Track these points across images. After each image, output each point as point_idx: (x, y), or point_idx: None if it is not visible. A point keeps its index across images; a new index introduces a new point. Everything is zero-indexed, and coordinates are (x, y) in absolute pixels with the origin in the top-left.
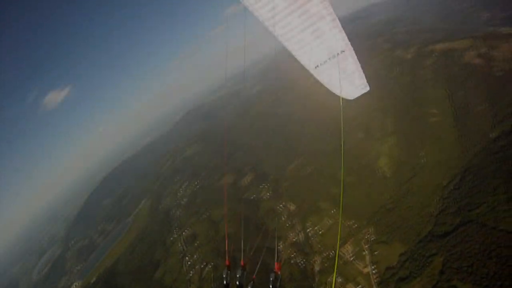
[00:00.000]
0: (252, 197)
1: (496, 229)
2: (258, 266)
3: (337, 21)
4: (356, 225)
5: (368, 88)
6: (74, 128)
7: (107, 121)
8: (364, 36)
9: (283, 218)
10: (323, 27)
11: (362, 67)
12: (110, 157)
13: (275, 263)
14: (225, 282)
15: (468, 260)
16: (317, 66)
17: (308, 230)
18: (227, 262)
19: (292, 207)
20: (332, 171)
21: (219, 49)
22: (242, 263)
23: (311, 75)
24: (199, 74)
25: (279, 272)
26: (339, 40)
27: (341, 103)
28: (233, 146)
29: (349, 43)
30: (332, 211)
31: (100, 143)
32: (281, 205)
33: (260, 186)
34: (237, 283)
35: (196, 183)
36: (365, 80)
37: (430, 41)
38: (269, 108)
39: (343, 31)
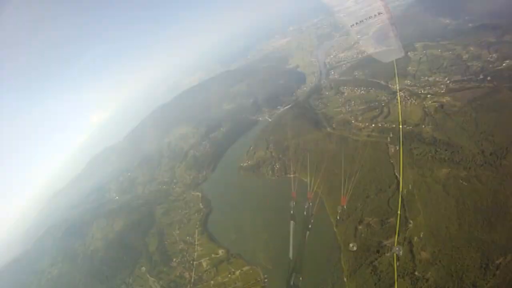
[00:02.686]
0: None
1: None
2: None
3: None
4: None
5: (403, 54)
6: None
7: None
8: None
9: None
10: None
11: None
12: None
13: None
14: (291, 212)
15: None
16: (353, 24)
17: None
18: (293, 194)
19: None
20: None
21: None
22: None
23: None
24: None
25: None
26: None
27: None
28: None
29: (388, 6)
30: None
31: None
32: None
33: None
34: (305, 213)
35: None
36: (401, 45)
37: None
38: None
39: None
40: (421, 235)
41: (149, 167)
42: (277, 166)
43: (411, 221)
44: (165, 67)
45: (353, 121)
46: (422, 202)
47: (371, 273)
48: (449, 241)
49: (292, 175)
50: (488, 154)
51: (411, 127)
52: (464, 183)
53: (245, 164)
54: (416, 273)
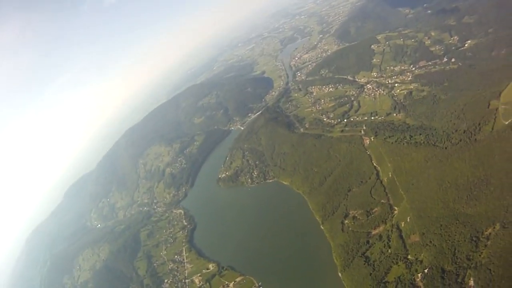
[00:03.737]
0: None
1: None
2: None
3: None
4: None
5: None
6: None
7: None
8: None
9: None
10: None
11: None
12: None
13: None
14: None
15: None
16: None
17: None
18: None
19: None
20: None
21: None
22: None
23: None
24: None
25: None
26: None
27: None
28: None
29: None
30: None
31: None
32: None
33: None
34: None
35: None
36: None
37: None
38: None
39: None
40: (408, 220)
41: (127, 190)
42: (256, 173)
43: (396, 208)
44: (132, 87)
45: (325, 119)
46: (404, 187)
47: (364, 264)
48: (436, 221)
49: (271, 180)
50: (462, 132)
51: (382, 117)
52: (442, 162)
53: (223, 175)
54: (409, 257)
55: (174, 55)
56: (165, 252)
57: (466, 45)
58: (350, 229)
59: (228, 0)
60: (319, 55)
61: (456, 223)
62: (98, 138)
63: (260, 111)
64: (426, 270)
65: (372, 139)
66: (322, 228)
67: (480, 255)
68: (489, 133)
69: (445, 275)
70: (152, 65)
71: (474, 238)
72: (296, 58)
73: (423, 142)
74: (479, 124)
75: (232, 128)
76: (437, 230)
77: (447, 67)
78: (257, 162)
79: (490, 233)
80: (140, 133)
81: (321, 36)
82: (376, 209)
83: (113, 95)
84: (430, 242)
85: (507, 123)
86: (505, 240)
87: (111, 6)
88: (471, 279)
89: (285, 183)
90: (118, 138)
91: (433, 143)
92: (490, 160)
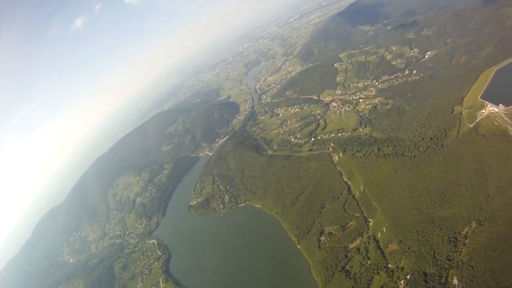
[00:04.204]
0: None
1: None
2: None
3: None
4: None
5: None
6: None
7: None
8: None
9: None
10: None
11: None
12: None
13: None
14: None
15: None
16: None
17: None
18: None
19: None
20: None
21: None
22: None
23: None
24: None
25: None
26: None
27: None
28: None
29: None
30: None
31: None
32: None
33: None
34: None
35: None
36: None
37: None
38: None
39: None
40: (384, 230)
41: (99, 222)
42: (227, 198)
43: (370, 220)
44: (100, 116)
45: (292, 139)
46: (377, 199)
47: (345, 278)
48: (412, 227)
49: (243, 204)
50: (429, 139)
51: (349, 133)
52: (412, 171)
53: (194, 203)
54: (389, 265)
55: (142, 82)
56: (141, 284)
57: (426, 56)
58: (327, 245)
59: (195, 24)
60: (284, 77)
61: (432, 227)
62: (66, 169)
63: (228, 136)
64: (408, 276)
65: (341, 155)
66: (299, 247)
67: (460, 254)
68: (455, 138)
69: (428, 278)
70: (120, 93)
71: (452, 239)
72: (261, 81)
73: (392, 153)
74: (445, 130)
75: (201, 155)
76: (414, 236)
77: (409, 79)
78: (227, 187)
79: (467, 232)
80: (108, 163)
81: (284, 58)
82: (351, 223)
83: (81, 124)
84: (409, 248)
85: (471, 126)
86: (483, 236)
87: (79, 33)
88: (455, 278)
89: (257, 206)
90: (87, 168)
91: (401, 153)
92: (458, 163)
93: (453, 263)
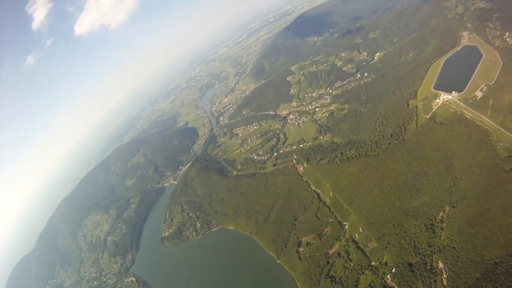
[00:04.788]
0: None
1: None
2: None
3: None
4: None
5: None
6: None
7: None
8: None
9: None
10: None
11: None
12: None
13: None
14: None
15: None
16: None
17: None
18: None
19: None
20: None
21: None
22: None
23: None
24: None
25: None
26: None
27: None
28: None
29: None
30: None
31: None
32: None
33: None
34: None
35: None
36: None
37: None
38: None
39: None
40: (361, 230)
41: (73, 266)
42: (199, 225)
43: (345, 223)
44: (59, 155)
45: (255, 157)
46: (348, 202)
47: (331, 283)
48: (387, 223)
49: (216, 228)
50: (389, 136)
51: (310, 143)
52: (378, 169)
53: (167, 233)
54: (373, 263)
55: (97, 116)
56: None
57: (375, 58)
58: (307, 255)
59: (147, 54)
60: (239, 97)
61: (408, 219)
62: (31, 214)
63: (190, 162)
64: (393, 270)
65: (306, 166)
66: (279, 262)
67: (440, 239)
68: (414, 130)
69: (413, 267)
70: (77, 129)
71: (429, 226)
72: (217, 104)
73: (355, 156)
74: (403, 125)
75: (166, 184)
76: (391, 231)
77: (362, 82)
78: (197, 213)
79: (442, 217)
80: (74, 204)
81: (237, 78)
82: (326, 229)
83: (40, 165)
84: (388, 243)
85: (428, 116)
86: (458, 217)
87: (31, 70)
88: (439, 262)
89: (230, 228)
90: (53, 212)
91: (364, 154)
92: (422, 154)
93: (434, 249)
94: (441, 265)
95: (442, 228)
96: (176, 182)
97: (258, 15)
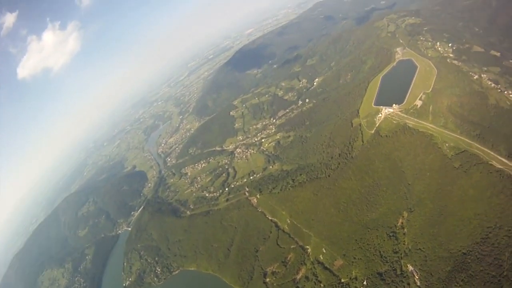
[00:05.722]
0: None
1: None
2: None
3: None
4: None
5: None
6: None
7: None
8: None
9: None
10: None
11: None
12: None
13: None
14: None
15: None
16: None
17: None
18: None
19: None
20: None
21: None
22: None
23: None
24: None
25: None
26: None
27: None
28: None
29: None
30: None
31: None
32: None
33: None
34: None
35: None
36: None
37: None
38: None
39: None
40: (324, 251)
41: None
42: (159, 270)
43: (307, 247)
44: (5, 209)
45: (207, 195)
46: (306, 226)
47: None
48: (349, 238)
49: (177, 271)
50: (338, 156)
51: (260, 174)
52: (331, 189)
53: (127, 283)
54: (342, 280)
55: (42, 165)
56: None
57: (315, 83)
58: (275, 284)
59: (90, 99)
60: (184, 136)
61: (369, 231)
62: None
63: (142, 206)
64: (365, 282)
65: (259, 197)
66: None
67: (404, 244)
68: (361, 146)
69: (384, 275)
70: (22, 181)
71: (391, 234)
72: (163, 145)
73: (306, 180)
74: (350, 143)
75: (120, 232)
76: (355, 246)
77: (304, 108)
78: (156, 258)
79: (402, 223)
80: (27, 260)
81: (181, 117)
82: (290, 256)
83: None
84: (354, 258)
85: (373, 131)
86: (418, 219)
87: None
88: (408, 265)
89: (192, 268)
90: (5, 270)
91: (316, 177)
92: (372, 167)
93: (401, 254)
94: (410, 268)
95: (404, 234)
96: (130, 229)
97: (198, 52)
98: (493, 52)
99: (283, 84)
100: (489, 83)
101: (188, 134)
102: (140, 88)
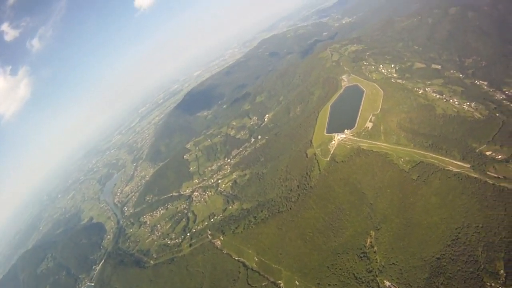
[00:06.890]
0: None
1: None
2: None
3: None
4: None
5: None
6: None
7: None
8: None
9: None
10: None
11: None
12: None
13: None
14: None
15: None
16: None
17: None
18: None
19: None
20: None
21: None
22: None
23: None
24: None
25: None
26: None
27: None
28: None
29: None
30: None
31: None
32: None
33: None
34: None
35: None
36: None
37: None
38: None
39: None
40: (297, 283)
41: None
42: None
43: (280, 281)
44: None
45: (169, 242)
46: (275, 261)
47: None
48: (320, 267)
49: None
50: (296, 188)
51: (221, 215)
52: (294, 221)
53: None
54: None
55: None
56: None
57: (266, 119)
58: None
59: (42, 148)
60: (139, 183)
61: (339, 256)
62: None
63: (103, 260)
64: None
65: (222, 238)
66: None
67: (377, 262)
68: (319, 175)
69: None
70: None
71: (362, 255)
72: (118, 194)
73: (268, 216)
74: (307, 173)
75: None
76: (328, 273)
77: (257, 145)
78: None
79: (371, 242)
80: None
81: (135, 164)
82: None
83: None
84: (329, 285)
85: (328, 159)
86: (386, 236)
87: None
88: (385, 281)
89: None
90: None
91: (277, 211)
92: (332, 194)
93: (376, 272)
94: (388, 283)
95: (375, 252)
96: (93, 284)
97: (148, 97)
98: (434, 66)
99: (234, 123)
100: (434, 95)
101: (143, 181)
102: (92, 135)
